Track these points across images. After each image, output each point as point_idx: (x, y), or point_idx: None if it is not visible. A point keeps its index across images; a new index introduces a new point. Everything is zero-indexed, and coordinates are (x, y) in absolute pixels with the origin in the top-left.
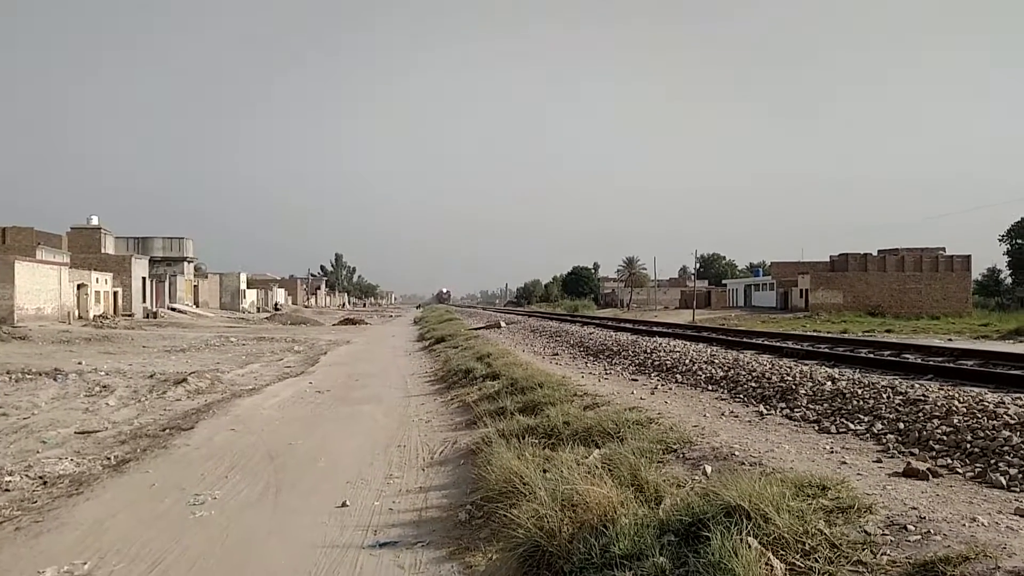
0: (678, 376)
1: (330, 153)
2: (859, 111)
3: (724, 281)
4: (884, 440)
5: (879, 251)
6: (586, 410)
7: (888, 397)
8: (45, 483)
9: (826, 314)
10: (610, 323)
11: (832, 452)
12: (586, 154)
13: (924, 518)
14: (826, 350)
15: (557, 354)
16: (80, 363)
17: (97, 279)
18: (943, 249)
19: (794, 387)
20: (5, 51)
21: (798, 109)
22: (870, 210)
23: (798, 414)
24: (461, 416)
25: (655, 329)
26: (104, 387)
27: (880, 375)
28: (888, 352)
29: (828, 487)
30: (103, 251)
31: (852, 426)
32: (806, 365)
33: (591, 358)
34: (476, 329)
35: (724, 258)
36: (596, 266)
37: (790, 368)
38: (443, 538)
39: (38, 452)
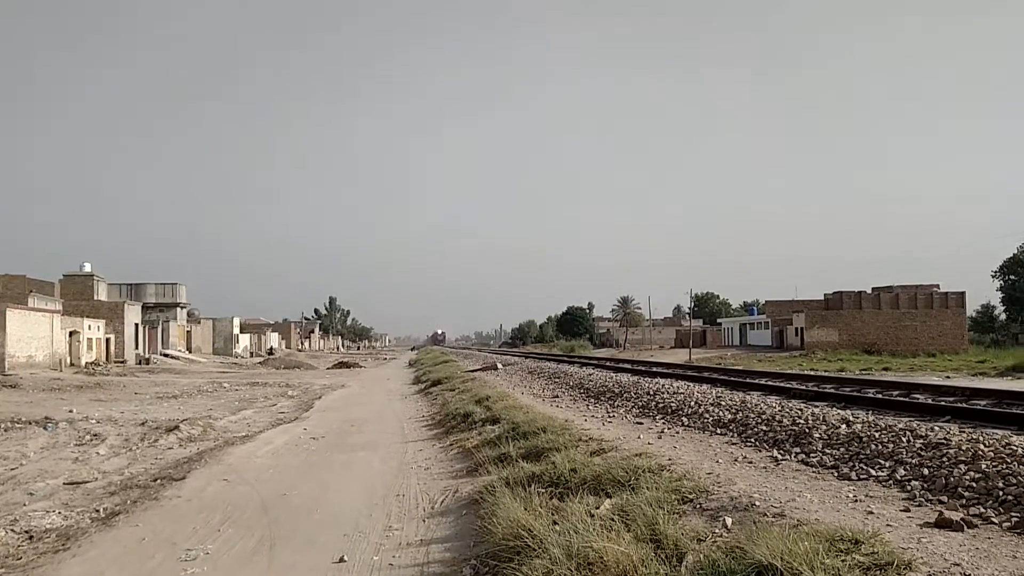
0: (684, 419)
1: (323, 199)
2: (851, 141)
3: (719, 320)
4: (909, 487)
5: (873, 288)
6: (593, 456)
7: (908, 441)
8: (31, 538)
9: (822, 352)
10: (608, 364)
11: (856, 501)
12: (580, 194)
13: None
14: (832, 390)
15: (557, 396)
16: (71, 411)
17: (89, 326)
18: (937, 286)
19: (807, 431)
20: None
21: (792, 142)
22: (859, 245)
23: (815, 459)
24: (461, 463)
25: (655, 370)
26: (95, 435)
27: (895, 417)
28: (897, 392)
29: (861, 541)
30: (96, 298)
31: (873, 472)
32: (816, 407)
33: (592, 400)
34: (472, 371)
35: (718, 297)
36: (591, 306)
37: (800, 410)
38: None
39: (25, 504)
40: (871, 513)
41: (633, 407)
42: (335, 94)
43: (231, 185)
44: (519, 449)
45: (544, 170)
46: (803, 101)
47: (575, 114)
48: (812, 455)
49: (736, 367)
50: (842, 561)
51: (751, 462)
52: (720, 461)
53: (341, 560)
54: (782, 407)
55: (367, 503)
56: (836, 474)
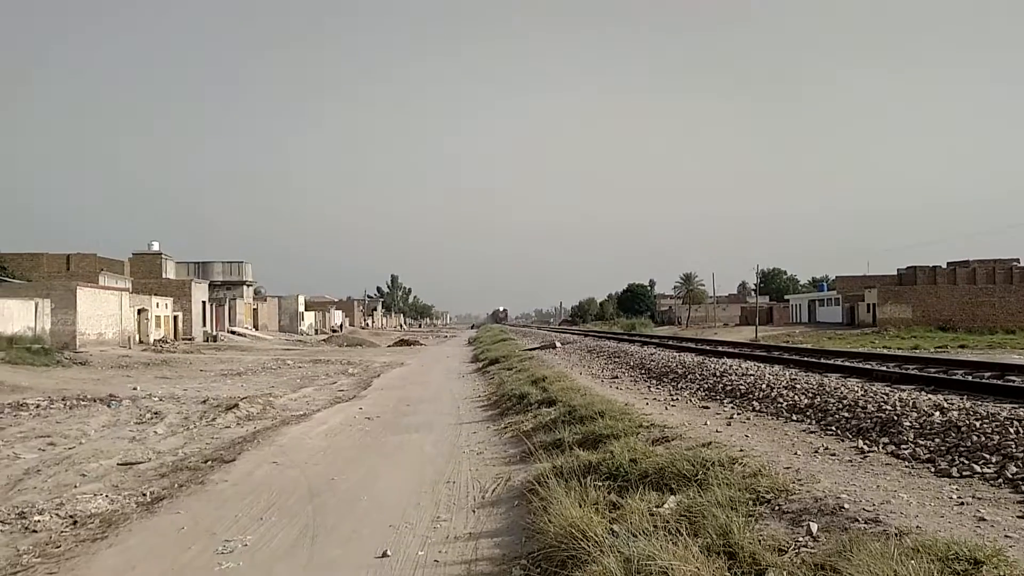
0: (755, 403)
1: (383, 181)
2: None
3: (786, 296)
4: None
5: (948, 263)
6: (654, 444)
7: (1017, 432)
8: (75, 523)
9: (895, 329)
10: (671, 342)
11: (962, 504)
12: (641, 169)
13: None
14: (916, 371)
15: (617, 377)
16: (135, 388)
17: (157, 304)
18: (1017, 260)
19: (895, 418)
20: (69, 82)
21: (862, 112)
22: (933, 224)
23: (906, 451)
24: (515, 447)
25: (721, 349)
26: (155, 414)
27: (994, 403)
28: (989, 374)
29: (982, 560)
30: (164, 276)
31: (978, 468)
32: (903, 391)
33: (654, 382)
34: (531, 350)
35: (785, 273)
36: (652, 283)
37: (886, 395)
38: None
39: (76, 487)
40: (983, 520)
41: (698, 390)
42: (389, 75)
43: (297, 168)
44: (575, 435)
45: (606, 146)
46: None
47: (635, 89)
48: (903, 447)
49: (805, 345)
50: None
51: (834, 454)
52: (798, 453)
53: (384, 555)
54: (864, 391)
55: (416, 490)
56: (933, 469)
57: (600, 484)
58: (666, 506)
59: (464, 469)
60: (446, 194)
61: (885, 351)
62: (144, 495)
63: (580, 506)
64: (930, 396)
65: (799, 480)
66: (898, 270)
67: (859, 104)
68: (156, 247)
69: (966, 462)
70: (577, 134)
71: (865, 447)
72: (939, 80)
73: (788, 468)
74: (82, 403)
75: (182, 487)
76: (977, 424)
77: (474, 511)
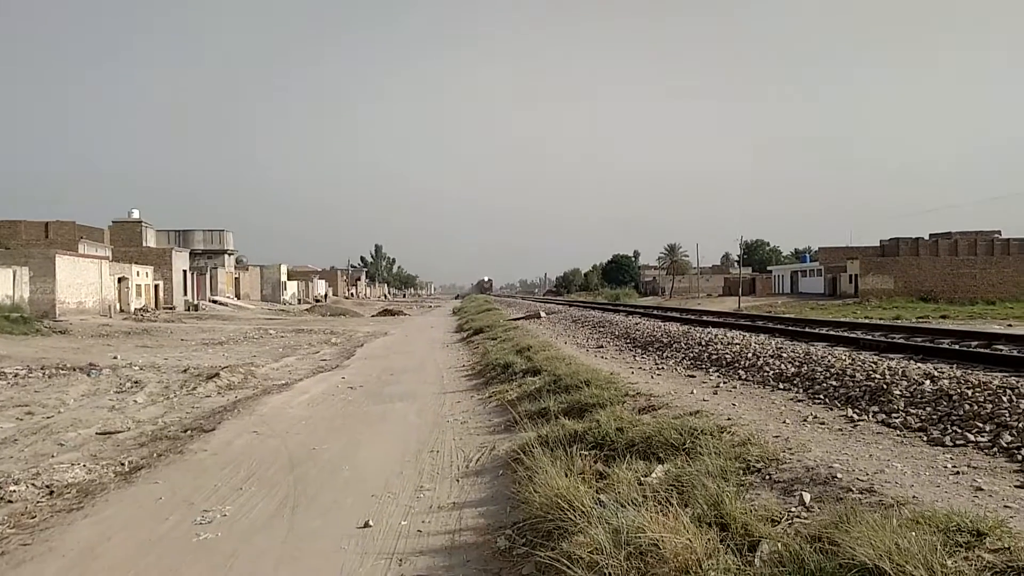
0: (741, 372)
1: (368, 148)
2: (909, 92)
3: (769, 268)
4: (1020, 456)
5: (931, 235)
6: (641, 413)
7: (1011, 401)
8: (51, 493)
9: (876, 300)
10: (655, 312)
11: (958, 473)
12: (625, 141)
13: None
14: (903, 340)
15: (602, 346)
16: (115, 357)
17: (138, 272)
18: (999, 232)
19: (885, 386)
20: (47, 52)
21: (845, 92)
22: (919, 195)
23: (897, 420)
24: (500, 416)
25: (705, 319)
26: (136, 383)
27: (985, 372)
28: (976, 343)
29: (984, 532)
30: (144, 244)
31: (971, 437)
32: (891, 359)
33: (639, 351)
34: (515, 319)
35: (768, 244)
36: (636, 254)
37: (874, 363)
38: (479, 572)
39: (53, 456)
40: (980, 490)
41: (684, 359)
42: (379, 48)
43: (282, 138)
44: (561, 404)
45: (591, 119)
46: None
47: (620, 61)
48: (894, 415)
49: (788, 315)
50: (967, 561)
51: (823, 423)
52: (787, 421)
53: (366, 525)
54: (852, 359)
55: (399, 460)
56: (925, 438)
57: (586, 453)
58: (654, 475)
59: (448, 438)
60: (431, 166)
61: (868, 321)
62: (122, 464)
63: (566, 475)
64: (919, 365)
65: (789, 449)
66: (880, 241)
67: (850, 83)
68: (136, 215)
69: (959, 431)
70: (570, 110)
71: (855, 416)
72: (938, 63)
73: (777, 437)
74: (61, 372)
75: (161, 456)
76: (969, 393)
77: (458, 480)
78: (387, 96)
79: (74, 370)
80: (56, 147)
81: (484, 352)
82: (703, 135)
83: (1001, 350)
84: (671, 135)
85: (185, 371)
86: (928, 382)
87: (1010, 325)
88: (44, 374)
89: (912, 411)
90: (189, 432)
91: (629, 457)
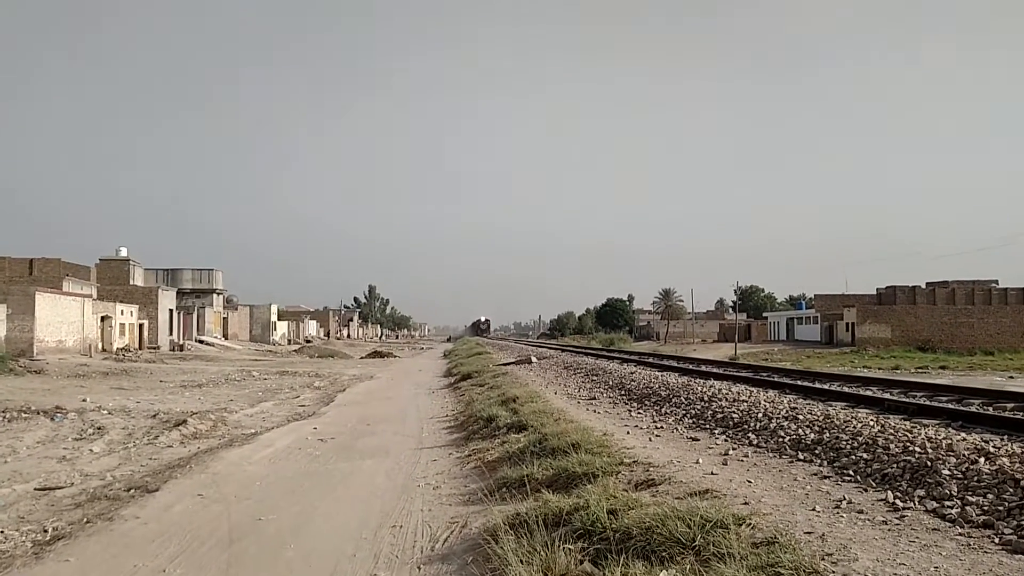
0: (752, 436)
1: (363, 188)
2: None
3: (765, 314)
4: None
5: (927, 283)
6: (639, 489)
7: None
8: None
9: (874, 349)
10: (651, 359)
11: None
12: (623, 188)
13: None
14: (934, 403)
15: (594, 398)
16: (84, 400)
17: (122, 311)
18: (996, 281)
19: (928, 463)
20: (38, 82)
21: (827, 129)
22: (913, 240)
23: (952, 510)
24: (476, 481)
25: (704, 368)
26: (99, 428)
27: None
28: (1012, 405)
29: None
30: (131, 283)
31: None
32: (927, 427)
33: (635, 405)
34: (506, 365)
35: (763, 290)
36: (631, 298)
37: (909, 431)
38: None
39: None
40: None
41: (684, 416)
42: (368, 85)
43: (278, 179)
44: (545, 471)
45: (584, 164)
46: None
47: (607, 110)
48: (947, 504)
49: (786, 363)
50: None
51: (861, 511)
52: (818, 508)
53: None
54: (882, 426)
55: (355, 536)
56: (997, 540)
57: (571, 547)
58: None
59: (416, 508)
60: (427, 207)
61: (883, 376)
62: (46, 531)
63: None
64: (963, 435)
65: (828, 554)
66: (877, 289)
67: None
68: (124, 253)
69: None
70: (556, 151)
71: (898, 503)
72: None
73: (810, 533)
74: (24, 415)
75: (89, 523)
76: None
77: (419, 567)
78: (386, 135)
79: (38, 413)
80: (47, 181)
81: (469, 401)
82: (694, 182)
83: None
84: (666, 183)
85: (155, 416)
86: (983, 460)
87: (1011, 377)
88: (3, 418)
89: (970, 499)
90: (132, 491)
91: (624, 556)
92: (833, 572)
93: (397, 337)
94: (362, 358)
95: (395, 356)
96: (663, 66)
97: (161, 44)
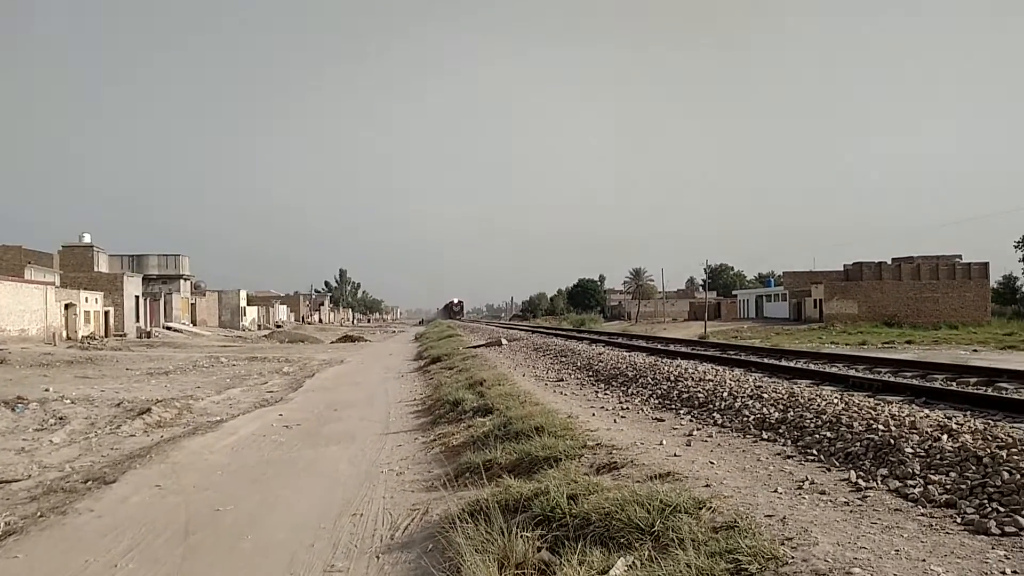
0: (717, 416)
1: (332, 170)
2: (862, 109)
3: (734, 292)
4: None
5: (893, 259)
6: (600, 473)
7: None
8: None
9: (841, 325)
10: (620, 339)
11: None
12: (589, 162)
13: None
14: (898, 379)
15: (562, 379)
16: (47, 390)
17: (87, 298)
18: (959, 256)
19: (891, 441)
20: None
21: (798, 108)
22: (880, 216)
23: (915, 490)
24: (441, 466)
25: (673, 348)
26: (60, 419)
27: (1009, 422)
28: (975, 379)
29: None
30: (96, 269)
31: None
32: (890, 403)
33: (602, 386)
34: (476, 347)
35: (732, 268)
36: (602, 278)
37: (873, 409)
38: None
39: None
40: None
41: (651, 396)
42: (342, 70)
43: (246, 162)
44: (508, 455)
45: (555, 143)
46: (820, 67)
47: (582, 88)
48: (909, 482)
49: (755, 341)
50: None
51: (824, 492)
52: (780, 489)
53: None
54: (846, 403)
55: (315, 525)
56: (959, 520)
57: (529, 534)
58: (612, 573)
59: (378, 495)
60: (395, 191)
61: (849, 352)
62: None
63: (500, 570)
64: (926, 412)
65: (788, 538)
66: (844, 266)
67: (813, 101)
68: (87, 239)
69: (1002, 509)
70: (537, 134)
71: (861, 482)
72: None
73: (771, 516)
74: None
75: (42, 517)
76: (1003, 455)
77: (378, 556)
78: (353, 118)
79: None
80: (6, 168)
81: (437, 384)
82: (668, 158)
83: (1007, 389)
84: (636, 161)
85: (119, 405)
86: (945, 437)
87: (975, 351)
88: None
89: (933, 477)
90: (89, 483)
91: (583, 542)
92: (792, 557)
93: (369, 321)
94: (332, 343)
95: (366, 340)
96: (625, 44)
97: (121, 28)
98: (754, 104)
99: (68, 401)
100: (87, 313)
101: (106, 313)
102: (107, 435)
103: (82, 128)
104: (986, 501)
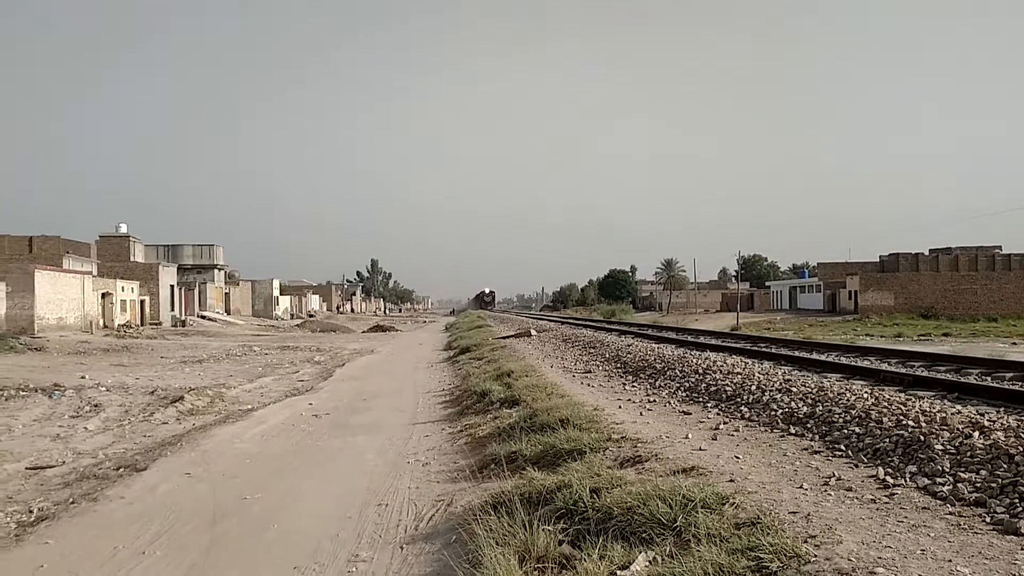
0: (744, 409)
1: (366, 161)
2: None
3: (767, 283)
4: None
5: (931, 250)
6: (624, 466)
7: None
8: None
9: (877, 316)
10: (650, 331)
11: None
12: (626, 159)
13: None
14: (930, 374)
15: (590, 371)
16: (83, 377)
17: (123, 288)
18: (999, 247)
19: (921, 438)
20: (35, 65)
21: (838, 96)
22: (918, 207)
23: (944, 487)
24: (467, 457)
25: (703, 340)
26: (95, 406)
27: None
28: (1011, 375)
29: None
30: (132, 259)
31: None
32: (921, 399)
33: (629, 378)
34: (505, 338)
35: (766, 259)
36: (633, 269)
37: (903, 405)
38: None
39: None
40: None
41: (678, 389)
42: (376, 56)
43: (279, 151)
44: (533, 447)
45: (591, 137)
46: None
47: (614, 80)
48: (938, 480)
49: (788, 333)
50: None
51: (850, 488)
52: (805, 486)
53: None
54: (876, 399)
55: (340, 515)
56: (989, 520)
57: (551, 528)
58: (633, 568)
59: (404, 486)
60: (431, 182)
61: (883, 346)
62: (31, 512)
63: (521, 563)
64: (958, 408)
65: (812, 536)
66: (880, 257)
67: (842, 93)
68: (124, 229)
69: None
70: (569, 123)
71: (889, 479)
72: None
73: (795, 513)
74: (22, 393)
75: (73, 503)
76: None
77: (403, 547)
78: (386, 108)
79: (36, 391)
80: (45, 161)
81: (465, 375)
82: (700, 152)
83: None
84: (668, 153)
85: (152, 393)
86: (977, 434)
87: (1014, 343)
88: (1, 396)
89: (963, 475)
90: (121, 470)
91: (604, 537)
92: (815, 556)
93: (400, 311)
94: (363, 332)
95: (397, 330)
96: (657, 30)
97: (156, 28)
98: (788, 89)
99: (103, 389)
100: (123, 302)
101: (142, 302)
102: (140, 422)
103: (115, 124)
104: (1017, 500)
